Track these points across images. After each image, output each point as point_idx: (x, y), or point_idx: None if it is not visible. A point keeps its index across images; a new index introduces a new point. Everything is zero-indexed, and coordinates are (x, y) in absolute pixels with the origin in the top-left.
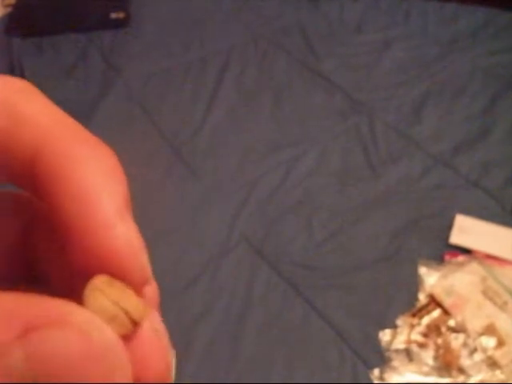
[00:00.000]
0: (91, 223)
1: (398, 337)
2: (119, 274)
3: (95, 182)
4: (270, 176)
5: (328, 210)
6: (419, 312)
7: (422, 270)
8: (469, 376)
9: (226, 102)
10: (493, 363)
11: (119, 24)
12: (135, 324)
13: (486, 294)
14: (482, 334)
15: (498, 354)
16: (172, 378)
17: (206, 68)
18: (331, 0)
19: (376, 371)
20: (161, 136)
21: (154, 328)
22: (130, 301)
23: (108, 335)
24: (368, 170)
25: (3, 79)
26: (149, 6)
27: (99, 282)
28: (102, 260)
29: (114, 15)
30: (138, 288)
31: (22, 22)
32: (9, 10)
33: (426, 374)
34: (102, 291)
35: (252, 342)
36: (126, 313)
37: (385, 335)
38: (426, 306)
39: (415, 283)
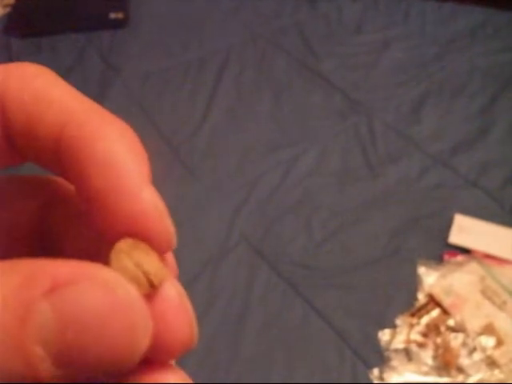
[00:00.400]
0: (119, 188)
1: (397, 336)
2: (146, 236)
3: (121, 154)
4: (270, 176)
5: (327, 210)
6: (418, 312)
7: (421, 270)
8: (468, 375)
9: (224, 101)
10: (492, 363)
11: (118, 24)
12: (154, 286)
13: (485, 293)
14: (480, 333)
15: (496, 354)
16: (196, 341)
17: (204, 68)
18: (330, 0)
19: (375, 371)
20: (159, 136)
21: (179, 292)
22: (152, 263)
23: (132, 292)
24: (367, 169)
25: (24, 64)
26: (148, 6)
27: (124, 245)
28: (130, 223)
29: (112, 15)
30: (162, 251)
31: (21, 22)
32: (7, 9)
33: (426, 374)
34: (127, 253)
35: (251, 341)
36: (147, 275)
37: (384, 335)
38: (425, 305)
39: (414, 283)
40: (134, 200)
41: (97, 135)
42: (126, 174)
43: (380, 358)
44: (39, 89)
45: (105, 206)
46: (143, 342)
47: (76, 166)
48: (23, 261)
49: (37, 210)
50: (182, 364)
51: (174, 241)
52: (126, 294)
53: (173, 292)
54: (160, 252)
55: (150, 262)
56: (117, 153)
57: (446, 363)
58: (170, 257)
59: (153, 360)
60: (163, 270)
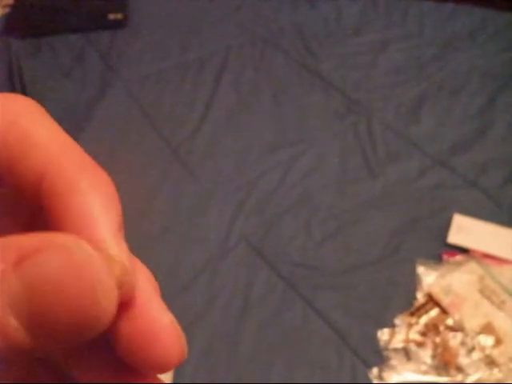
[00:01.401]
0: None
1: (396, 336)
2: None
3: (94, 211)
4: (269, 176)
5: (327, 210)
6: (417, 311)
7: (420, 270)
8: (467, 375)
9: (223, 102)
10: (491, 362)
11: (117, 25)
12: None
13: (484, 293)
14: (479, 332)
15: (495, 353)
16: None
17: (203, 68)
18: (329, 0)
19: (375, 370)
20: (159, 136)
21: (171, 319)
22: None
23: (88, 250)
24: (366, 169)
25: (11, 98)
26: (147, 7)
27: None
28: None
29: (112, 16)
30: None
31: (20, 23)
32: (7, 10)
33: (425, 373)
34: None
35: (251, 341)
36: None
37: (383, 334)
38: (424, 305)
39: (413, 282)
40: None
41: (74, 189)
42: (97, 231)
43: (379, 357)
44: (24, 130)
45: None
46: (105, 302)
47: (53, 217)
48: None
49: (21, 229)
50: (182, 363)
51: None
52: (84, 254)
53: (166, 320)
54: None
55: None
56: (90, 212)
57: (445, 362)
58: (143, 276)
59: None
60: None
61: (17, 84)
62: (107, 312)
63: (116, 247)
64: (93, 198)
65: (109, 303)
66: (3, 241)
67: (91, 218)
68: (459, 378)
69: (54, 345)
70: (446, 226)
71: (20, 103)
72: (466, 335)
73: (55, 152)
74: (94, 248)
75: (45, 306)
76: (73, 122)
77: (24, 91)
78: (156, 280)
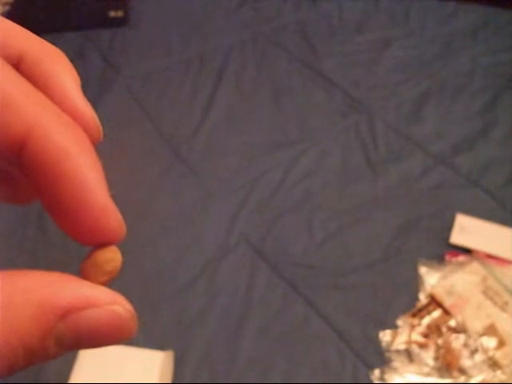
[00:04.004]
0: (90, 208)
1: (398, 337)
2: (110, 241)
3: (88, 174)
4: (270, 175)
5: (328, 210)
6: (420, 312)
7: (423, 270)
8: (470, 376)
9: (225, 100)
10: (494, 364)
11: (118, 23)
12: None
13: (487, 294)
14: (482, 334)
15: (498, 355)
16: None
17: (205, 66)
18: None
19: (376, 372)
20: (159, 135)
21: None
22: (114, 262)
23: (130, 308)
24: (368, 169)
25: None
26: (148, 4)
27: (94, 259)
28: (98, 233)
29: (112, 14)
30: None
31: (20, 21)
32: (6, 8)
33: (427, 375)
34: (96, 266)
35: (252, 342)
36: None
37: (385, 336)
38: (427, 306)
39: (415, 283)
40: (104, 221)
41: (63, 154)
42: (96, 195)
43: (381, 358)
44: (4, 91)
45: (75, 223)
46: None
47: (41, 177)
48: (33, 292)
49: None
50: (182, 363)
51: (123, 233)
52: (126, 311)
53: (89, 111)
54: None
55: (114, 264)
56: (82, 170)
57: (447, 364)
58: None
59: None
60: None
61: None
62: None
63: (111, 205)
64: (84, 161)
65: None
66: (47, 299)
67: (85, 180)
68: (462, 379)
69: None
70: (448, 226)
71: None
72: (469, 337)
73: (34, 112)
74: (97, 208)
75: (87, 346)
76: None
77: None
78: (156, 280)
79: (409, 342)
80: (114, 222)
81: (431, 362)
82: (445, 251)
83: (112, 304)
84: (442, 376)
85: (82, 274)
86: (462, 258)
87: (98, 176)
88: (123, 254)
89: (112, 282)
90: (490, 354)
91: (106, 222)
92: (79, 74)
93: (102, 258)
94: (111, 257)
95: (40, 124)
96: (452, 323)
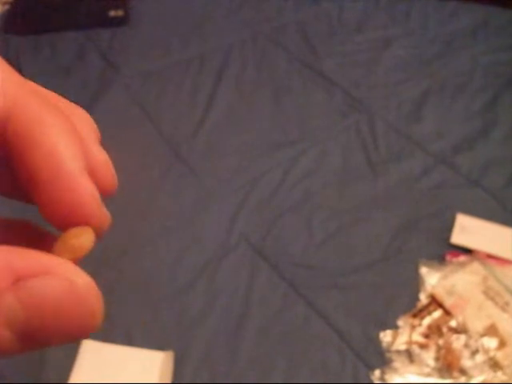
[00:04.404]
0: (60, 177)
1: (398, 338)
2: (82, 220)
3: (61, 143)
4: (270, 175)
5: (328, 210)
6: (420, 313)
7: (423, 270)
8: (470, 377)
9: (225, 100)
10: (494, 364)
11: (118, 22)
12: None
13: (488, 294)
14: (483, 334)
15: (499, 355)
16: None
17: (205, 66)
18: None
19: (377, 372)
20: (159, 134)
21: (106, 157)
22: (85, 242)
23: (89, 281)
24: (368, 169)
25: None
26: (147, 4)
27: (66, 237)
28: (68, 207)
29: (112, 13)
30: (97, 230)
31: (20, 20)
32: (6, 7)
33: (427, 375)
34: (67, 244)
35: (252, 342)
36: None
37: (386, 336)
38: (427, 306)
39: (416, 283)
40: (72, 187)
41: (39, 125)
42: (65, 164)
43: (381, 359)
44: None
45: (47, 192)
46: (99, 320)
47: (21, 155)
48: None
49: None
50: (183, 363)
51: (106, 221)
52: (84, 283)
53: (102, 156)
54: (96, 230)
55: (85, 242)
56: (57, 145)
57: (448, 365)
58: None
59: None
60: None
61: None
62: (99, 325)
63: (84, 178)
64: (58, 132)
65: (100, 319)
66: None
67: (59, 152)
68: (462, 380)
69: (41, 348)
70: (448, 226)
71: None
72: (470, 337)
73: (15, 93)
74: (66, 179)
75: (43, 326)
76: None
77: None
78: (156, 280)
79: (409, 343)
80: (86, 195)
81: (432, 363)
82: (445, 251)
83: (70, 275)
84: (442, 376)
85: (51, 251)
86: (462, 258)
87: (71, 147)
88: (123, 253)
89: (112, 287)
90: (491, 354)
91: (77, 195)
92: (79, 73)
93: (71, 235)
94: (80, 233)
95: (20, 101)
96: (453, 323)
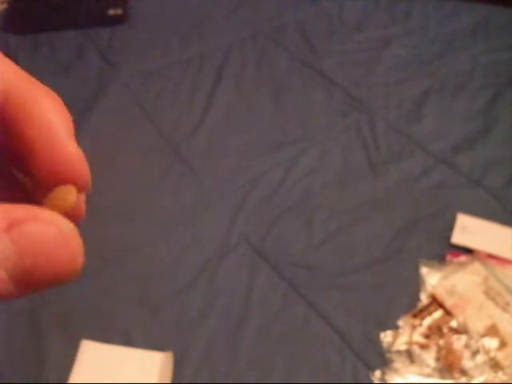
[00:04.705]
0: (53, 144)
1: (399, 338)
2: (71, 176)
3: (53, 117)
4: (270, 175)
5: (328, 210)
6: (421, 313)
7: (424, 270)
8: (471, 377)
9: (224, 99)
10: (495, 364)
11: (117, 21)
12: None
13: (488, 294)
14: (484, 335)
15: (500, 355)
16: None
17: (204, 65)
18: None
19: (377, 372)
20: (159, 134)
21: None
22: (70, 198)
23: (72, 227)
24: (368, 168)
25: None
26: (147, 2)
27: (54, 194)
28: (61, 166)
29: (111, 12)
30: (81, 188)
31: (19, 19)
32: (5, 6)
33: (428, 376)
34: (55, 198)
35: (252, 342)
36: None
37: (386, 336)
38: (428, 306)
39: (416, 283)
40: (63, 150)
41: (34, 103)
42: (57, 132)
43: (382, 359)
44: None
45: (42, 158)
46: (80, 264)
47: (18, 126)
48: None
49: None
50: (183, 363)
51: (89, 181)
52: (68, 228)
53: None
54: (79, 189)
55: (69, 198)
56: (49, 116)
57: (448, 365)
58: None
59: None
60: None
61: None
62: (79, 270)
63: (75, 146)
64: (51, 110)
65: (81, 263)
66: None
67: (53, 125)
68: (463, 380)
69: (32, 292)
70: (449, 226)
71: None
72: (471, 337)
73: (12, 79)
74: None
75: (35, 266)
76: (72, 119)
77: None
78: (156, 279)
79: (410, 343)
80: (76, 156)
81: (432, 363)
82: (446, 251)
83: (58, 222)
84: (443, 377)
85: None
86: (463, 258)
87: (63, 122)
88: (123, 253)
89: (112, 287)
90: (492, 354)
91: (69, 156)
92: (78, 72)
93: (58, 191)
94: (66, 191)
95: (17, 84)
96: (453, 324)
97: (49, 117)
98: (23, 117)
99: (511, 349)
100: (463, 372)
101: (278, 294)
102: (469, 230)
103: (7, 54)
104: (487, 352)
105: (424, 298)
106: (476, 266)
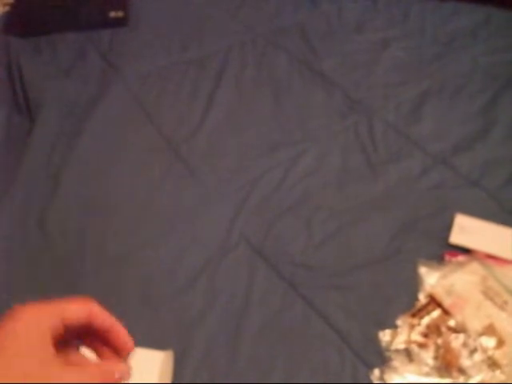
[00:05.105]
0: (119, 337)
1: (398, 337)
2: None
3: (117, 327)
4: (270, 176)
5: (328, 210)
6: (419, 312)
7: (422, 270)
8: (469, 376)
9: (224, 101)
10: (493, 363)
11: (118, 23)
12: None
13: (486, 293)
14: (482, 334)
15: (498, 354)
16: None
17: (204, 67)
18: None
19: (376, 371)
20: (159, 135)
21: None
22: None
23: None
24: (367, 169)
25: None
26: (148, 5)
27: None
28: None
29: (112, 14)
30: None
31: (21, 21)
32: (7, 8)
33: (426, 375)
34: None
35: (251, 342)
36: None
37: (385, 335)
38: (426, 306)
39: (415, 283)
40: (125, 345)
41: (102, 317)
42: (124, 337)
43: (381, 358)
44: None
45: (114, 344)
46: None
47: (98, 332)
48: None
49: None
50: (183, 363)
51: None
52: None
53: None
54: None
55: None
56: (115, 325)
57: (446, 364)
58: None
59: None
60: None
61: (16, 83)
62: None
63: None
64: (113, 321)
65: None
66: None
67: (120, 332)
68: (461, 379)
69: None
70: (447, 226)
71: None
72: (469, 336)
73: (91, 307)
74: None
75: None
76: (73, 121)
77: (24, 90)
78: (156, 280)
79: (408, 342)
80: (130, 343)
81: (431, 362)
82: (444, 251)
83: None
84: (441, 376)
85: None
86: (461, 257)
87: (120, 326)
88: (123, 253)
89: (112, 287)
90: (489, 353)
91: (126, 344)
92: (79, 74)
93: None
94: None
95: (91, 311)
96: (451, 323)
97: (116, 327)
98: (104, 328)
99: (509, 348)
100: (461, 371)
101: (277, 294)
102: (467, 230)
103: (9, 57)
104: (485, 351)
105: (422, 298)
106: (474, 265)
